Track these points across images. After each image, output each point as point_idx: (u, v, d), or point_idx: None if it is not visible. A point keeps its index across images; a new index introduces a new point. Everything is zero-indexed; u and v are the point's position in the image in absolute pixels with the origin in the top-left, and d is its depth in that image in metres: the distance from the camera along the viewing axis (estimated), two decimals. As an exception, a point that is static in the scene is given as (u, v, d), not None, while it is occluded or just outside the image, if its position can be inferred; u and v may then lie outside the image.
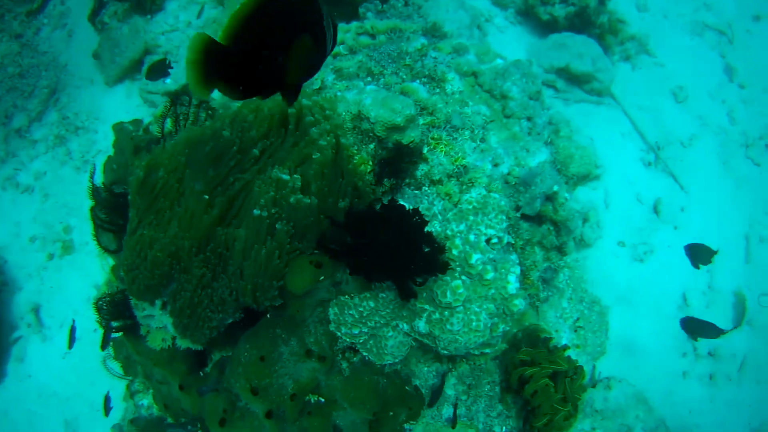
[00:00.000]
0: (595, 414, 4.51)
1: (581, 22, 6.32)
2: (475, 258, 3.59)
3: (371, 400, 3.85)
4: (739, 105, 6.55)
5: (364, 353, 3.81)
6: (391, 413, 3.99)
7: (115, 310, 4.35)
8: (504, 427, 4.10)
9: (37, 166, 6.93)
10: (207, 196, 3.71)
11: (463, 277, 3.62)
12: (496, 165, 4.08)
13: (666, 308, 5.33)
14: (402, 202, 3.76)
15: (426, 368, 4.12)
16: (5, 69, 7.34)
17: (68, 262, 6.29)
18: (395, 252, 3.35)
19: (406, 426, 4.08)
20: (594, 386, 4.66)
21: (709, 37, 6.99)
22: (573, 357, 4.21)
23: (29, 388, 5.80)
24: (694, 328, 4.61)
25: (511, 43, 6.21)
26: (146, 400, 4.70)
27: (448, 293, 3.54)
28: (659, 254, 5.58)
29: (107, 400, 4.85)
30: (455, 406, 4.00)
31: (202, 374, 4.27)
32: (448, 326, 3.58)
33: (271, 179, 3.61)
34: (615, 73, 6.30)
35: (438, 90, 4.27)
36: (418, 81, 4.30)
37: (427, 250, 3.44)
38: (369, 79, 4.38)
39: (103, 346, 4.59)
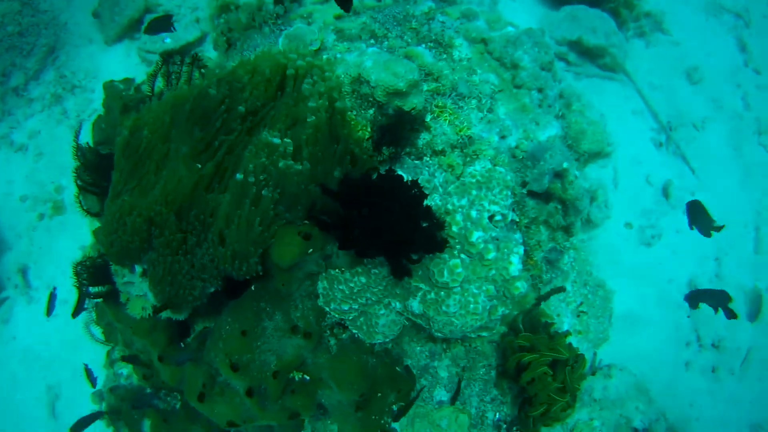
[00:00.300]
0: (594, 403, 4.15)
1: (595, -4, 5.87)
2: (476, 236, 3.20)
3: (359, 380, 3.50)
4: (754, 90, 6.11)
5: (354, 331, 3.46)
6: (380, 394, 3.64)
7: (96, 275, 4.00)
8: (498, 414, 3.76)
9: (32, 125, 6.55)
10: (193, 161, 3.34)
11: (463, 256, 3.24)
12: (503, 137, 3.67)
13: (672, 295, 4.96)
14: (401, 173, 3.37)
15: (419, 348, 3.76)
16: (5, 28, 6.91)
17: (58, 223, 5.93)
18: (390, 226, 2.97)
19: (395, 407, 3.74)
20: (594, 374, 4.30)
21: (725, 20, 6.52)
22: (574, 344, 3.85)
23: (13, 351, 5.47)
24: (700, 297, 4.17)
25: (522, 12, 5.75)
26: (126, 369, 4.37)
27: (445, 272, 3.16)
28: (667, 239, 5.19)
29: (89, 372, 4.55)
30: (459, 382, 3.64)
31: (183, 345, 3.92)
32: (444, 308, 3.20)
33: (263, 143, 3.22)
34: (628, 49, 5.86)
35: (445, 56, 3.86)
36: (423, 45, 3.88)
37: (425, 225, 3.05)
38: (372, 41, 3.96)
39: (75, 313, 4.27)
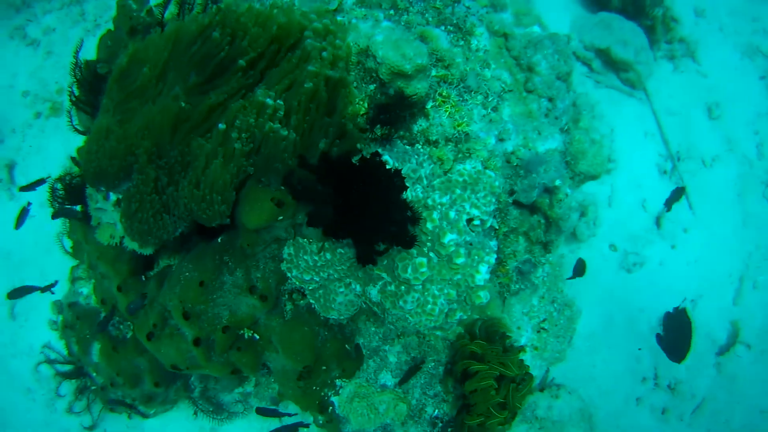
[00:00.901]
0: (534, 421, 4.07)
1: (635, 9, 5.57)
2: (448, 238, 3.06)
3: (306, 352, 3.43)
4: (771, 141, 5.83)
5: (312, 301, 3.36)
6: (324, 368, 3.58)
7: (72, 194, 3.90)
8: (437, 410, 3.69)
9: (48, 21, 6.33)
10: (183, 103, 3.16)
11: (431, 254, 3.11)
12: (501, 140, 3.49)
13: (639, 326, 4.82)
14: (387, 158, 3.21)
15: (374, 328, 3.68)
16: None
17: (54, 125, 5.78)
18: (363, 212, 2.82)
19: (338, 382, 3.68)
20: (542, 390, 4.19)
21: (759, 63, 6.16)
22: (528, 360, 3.76)
23: (-16, 245, 5.40)
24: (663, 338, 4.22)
25: (556, 9, 5.41)
26: (85, 290, 4.29)
27: (409, 268, 3.04)
28: (648, 269, 5.00)
29: (52, 284, 4.52)
30: (416, 367, 3.56)
31: (144, 278, 3.83)
32: (401, 302, 3.09)
33: (255, 102, 3.05)
34: (654, 70, 5.56)
35: (462, 42, 3.63)
36: (442, 27, 3.65)
37: (398, 218, 2.90)
38: (392, 12, 3.72)
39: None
